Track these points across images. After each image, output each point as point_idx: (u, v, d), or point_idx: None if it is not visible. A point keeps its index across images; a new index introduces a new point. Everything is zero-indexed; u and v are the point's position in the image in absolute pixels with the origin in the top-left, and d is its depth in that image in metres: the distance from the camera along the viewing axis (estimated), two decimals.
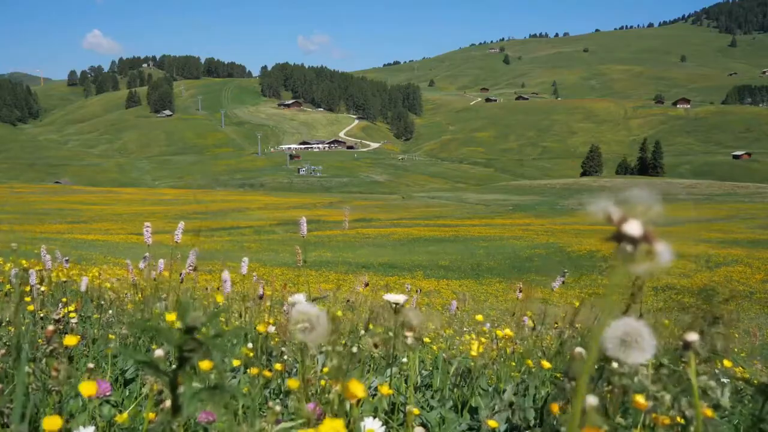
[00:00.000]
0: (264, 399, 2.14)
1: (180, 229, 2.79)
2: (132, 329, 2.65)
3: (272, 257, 32.37)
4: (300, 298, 1.46)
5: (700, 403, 0.88)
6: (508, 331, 2.42)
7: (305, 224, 2.79)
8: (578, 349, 0.90)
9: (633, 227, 0.56)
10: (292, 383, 1.31)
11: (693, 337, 0.69)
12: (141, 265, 3.99)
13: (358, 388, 0.86)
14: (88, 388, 1.17)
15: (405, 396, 2.10)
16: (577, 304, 3.19)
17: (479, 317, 3.09)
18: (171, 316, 2.22)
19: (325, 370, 1.08)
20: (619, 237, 0.56)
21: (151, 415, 1.29)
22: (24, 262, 5.00)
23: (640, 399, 0.91)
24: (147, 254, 3.80)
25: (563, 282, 2.89)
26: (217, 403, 0.65)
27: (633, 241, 0.56)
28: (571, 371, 0.90)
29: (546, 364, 1.91)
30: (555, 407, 0.95)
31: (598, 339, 0.61)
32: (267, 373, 1.94)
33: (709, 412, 0.90)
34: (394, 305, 1.21)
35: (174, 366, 0.62)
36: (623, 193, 0.58)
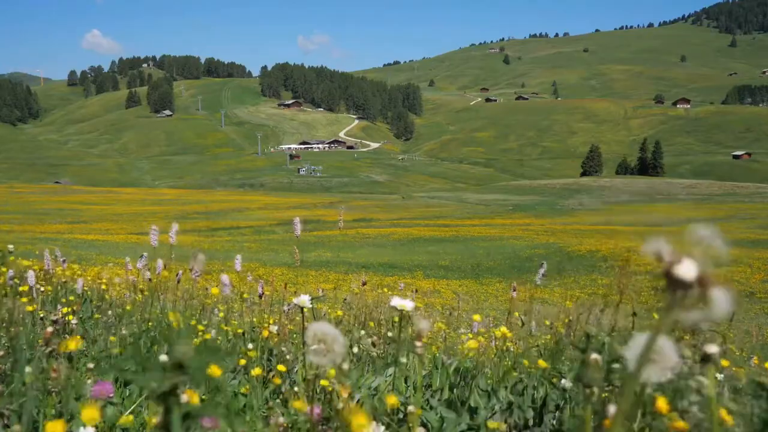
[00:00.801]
0: (265, 400, 2.14)
1: (174, 231, 2.80)
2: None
3: (272, 257, 32.36)
4: (305, 299, 1.46)
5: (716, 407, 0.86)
6: (505, 330, 2.42)
7: (299, 224, 2.81)
8: (594, 356, 0.87)
9: (686, 270, 0.49)
10: (299, 405, 1.27)
11: (713, 349, 0.66)
12: (138, 265, 4.00)
13: (362, 421, 0.82)
14: (90, 415, 0.97)
15: (406, 396, 2.10)
16: (569, 304, 3.19)
17: (476, 317, 3.10)
18: (173, 315, 2.22)
19: (332, 372, 1.07)
20: (671, 280, 0.50)
21: (153, 420, 1.28)
22: (25, 262, 5.00)
23: (662, 403, 0.88)
24: (144, 254, 3.80)
25: (544, 275, 2.88)
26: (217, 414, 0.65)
27: (685, 285, 0.49)
28: (585, 378, 0.87)
29: (543, 363, 1.91)
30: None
31: (637, 378, 0.55)
32: (276, 381, 1.95)
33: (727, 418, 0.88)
34: (400, 311, 1.18)
35: (165, 390, 0.62)
36: (686, 231, 0.50)
